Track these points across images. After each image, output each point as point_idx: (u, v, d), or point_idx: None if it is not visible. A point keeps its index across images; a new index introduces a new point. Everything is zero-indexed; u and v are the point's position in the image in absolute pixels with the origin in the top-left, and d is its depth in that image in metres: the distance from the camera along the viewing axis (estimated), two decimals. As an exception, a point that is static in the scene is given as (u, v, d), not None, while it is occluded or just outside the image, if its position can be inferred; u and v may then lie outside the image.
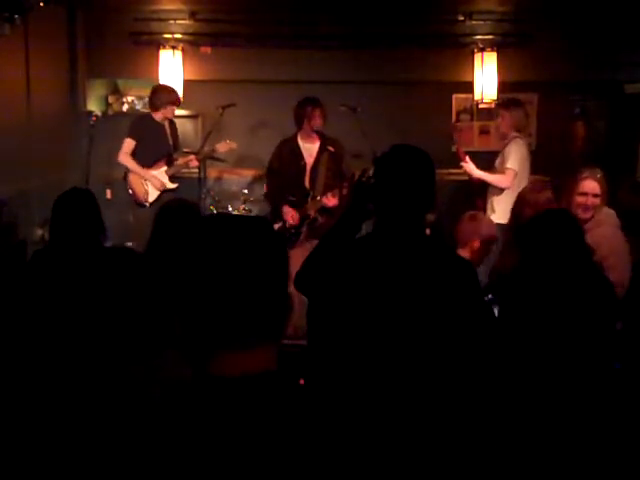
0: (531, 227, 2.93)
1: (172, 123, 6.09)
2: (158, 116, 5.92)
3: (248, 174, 6.97)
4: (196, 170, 6.00)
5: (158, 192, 5.89)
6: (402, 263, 2.36)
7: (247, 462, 1.10)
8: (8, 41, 5.27)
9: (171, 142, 6.03)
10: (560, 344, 2.66)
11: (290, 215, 5.34)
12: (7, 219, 3.90)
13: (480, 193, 5.51)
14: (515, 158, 5.26)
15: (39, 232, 5.43)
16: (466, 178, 5.66)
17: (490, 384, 2.46)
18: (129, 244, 5.12)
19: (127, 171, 5.91)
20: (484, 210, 5.31)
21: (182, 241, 1.25)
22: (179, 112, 6.45)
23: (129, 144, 5.87)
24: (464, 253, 3.44)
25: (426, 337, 2.31)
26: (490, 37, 6.73)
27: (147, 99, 6.22)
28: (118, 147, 5.96)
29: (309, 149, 5.42)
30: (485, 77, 6.71)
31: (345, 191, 5.16)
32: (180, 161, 5.99)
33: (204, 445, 1.11)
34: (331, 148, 5.33)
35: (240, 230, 1.23)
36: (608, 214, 3.83)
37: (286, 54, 6.73)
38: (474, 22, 6.76)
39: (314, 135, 5.37)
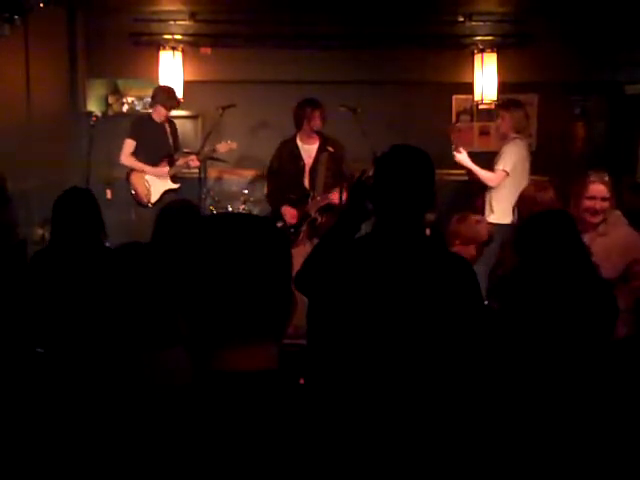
0: (527, 228, 2.93)
1: (172, 124, 6.10)
2: (156, 116, 5.93)
3: (248, 174, 6.97)
4: (196, 170, 6.00)
5: (160, 192, 5.90)
6: (402, 263, 2.36)
7: (245, 458, 1.10)
8: (8, 41, 5.28)
9: (171, 142, 6.04)
10: (559, 345, 2.66)
11: (290, 214, 5.35)
12: (7, 219, 3.90)
13: (479, 193, 5.51)
14: (509, 160, 5.25)
15: (39, 232, 5.43)
16: (466, 178, 5.66)
17: (489, 383, 2.46)
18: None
19: (129, 171, 5.92)
20: (483, 210, 5.30)
21: (184, 239, 1.25)
22: (179, 112, 6.46)
23: (130, 145, 5.88)
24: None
25: (425, 337, 2.31)
26: (490, 38, 6.73)
27: (147, 100, 6.23)
28: (118, 147, 5.97)
29: (308, 150, 5.43)
30: (485, 78, 6.71)
31: (345, 191, 5.16)
32: (181, 161, 6.00)
33: (203, 440, 1.11)
34: (331, 148, 5.33)
35: (243, 228, 1.23)
36: (617, 215, 3.81)
37: (286, 54, 6.73)
38: (474, 23, 6.76)
39: (314, 136, 5.38)
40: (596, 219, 3.65)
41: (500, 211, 5.18)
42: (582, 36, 6.54)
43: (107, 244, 3.52)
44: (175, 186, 5.99)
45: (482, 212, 5.22)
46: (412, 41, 6.71)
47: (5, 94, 5.67)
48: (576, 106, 7.23)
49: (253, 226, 1.24)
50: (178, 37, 6.77)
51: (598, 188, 3.69)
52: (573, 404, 2.61)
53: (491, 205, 5.33)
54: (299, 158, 5.42)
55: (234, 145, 6.08)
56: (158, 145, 5.96)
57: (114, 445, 1.15)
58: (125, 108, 7.33)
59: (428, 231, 3.74)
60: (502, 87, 6.67)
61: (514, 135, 5.35)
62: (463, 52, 6.82)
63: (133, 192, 5.91)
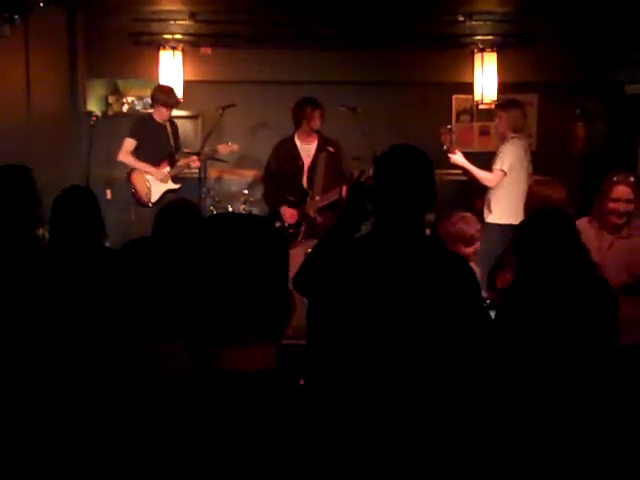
0: (526, 228, 2.92)
1: (173, 124, 6.10)
2: (158, 116, 5.93)
3: (248, 174, 6.97)
4: (196, 170, 6.00)
5: (161, 192, 5.90)
6: (401, 263, 2.36)
7: (241, 458, 1.10)
8: (8, 42, 5.28)
9: (173, 143, 6.04)
10: (559, 345, 2.66)
11: (289, 214, 5.34)
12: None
13: (478, 194, 5.50)
14: (506, 159, 5.24)
15: (39, 231, 5.42)
16: (465, 179, 5.66)
17: (489, 385, 2.46)
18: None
19: (130, 171, 5.92)
20: (482, 210, 5.30)
21: (184, 239, 1.26)
22: (179, 112, 6.46)
23: (130, 143, 5.88)
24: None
25: (425, 337, 2.31)
26: (490, 38, 6.73)
27: (147, 100, 6.23)
28: (118, 147, 5.96)
29: (307, 149, 5.43)
30: (485, 78, 6.71)
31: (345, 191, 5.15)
32: (182, 162, 6.00)
33: (200, 438, 1.11)
34: (331, 148, 5.33)
35: (240, 227, 1.23)
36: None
37: (286, 55, 6.73)
38: (474, 23, 6.76)
39: (312, 135, 5.37)
40: (621, 221, 3.64)
41: (499, 211, 5.18)
42: (582, 36, 6.53)
43: (107, 244, 3.52)
44: (176, 186, 5.98)
45: (481, 212, 5.22)
46: (412, 41, 6.71)
47: (5, 94, 5.67)
48: (576, 106, 7.23)
49: (251, 226, 1.24)
50: (178, 37, 6.77)
51: (623, 190, 3.66)
52: (573, 405, 2.60)
53: (490, 205, 5.33)
54: (298, 158, 5.41)
55: (235, 147, 6.08)
56: (159, 145, 5.95)
57: (110, 442, 1.15)
58: (125, 108, 7.33)
59: (428, 231, 3.74)
60: (502, 87, 6.67)
61: (512, 135, 5.35)
62: (463, 52, 6.82)
63: (133, 191, 5.91)
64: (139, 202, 5.91)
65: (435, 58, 6.80)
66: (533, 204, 3.78)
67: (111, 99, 7.33)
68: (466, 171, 5.40)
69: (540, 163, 5.75)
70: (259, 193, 6.43)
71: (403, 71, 6.78)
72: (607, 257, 3.54)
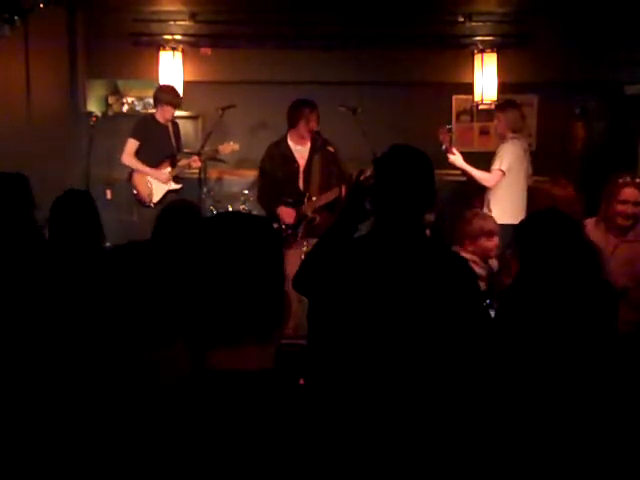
0: (525, 227, 2.92)
1: (175, 124, 6.11)
2: (160, 116, 5.93)
3: (248, 175, 6.96)
4: (196, 171, 6.01)
5: (162, 192, 5.91)
6: (401, 263, 2.36)
7: (238, 457, 1.10)
8: (8, 42, 5.27)
9: (174, 143, 6.04)
10: (557, 345, 2.66)
11: (287, 214, 5.32)
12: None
13: (478, 194, 5.51)
14: (506, 159, 5.25)
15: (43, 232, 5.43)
16: (464, 179, 5.67)
17: (489, 384, 2.46)
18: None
19: (131, 171, 5.92)
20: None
21: (183, 239, 1.26)
22: (179, 113, 6.46)
23: (132, 145, 5.88)
24: (463, 252, 3.45)
25: (425, 336, 2.31)
26: (490, 38, 6.73)
27: (147, 100, 6.23)
28: (118, 148, 5.97)
29: (301, 151, 5.41)
30: (485, 78, 6.71)
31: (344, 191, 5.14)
32: (183, 162, 6.00)
33: (196, 438, 1.11)
34: (331, 148, 5.32)
35: (236, 227, 1.24)
36: None
37: (286, 55, 6.73)
38: (474, 23, 6.75)
39: (306, 136, 5.35)
40: (627, 222, 3.63)
41: (498, 211, 5.18)
42: (582, 36, 6.53)
43: (107, 244, 3.52)
44: (177, 187, 5.99)
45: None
46: (412, 41, 6.71)
47: (5, 94, 5.67)
48: (576, 106, 7.23)
49: (246, 226, 1.24)
50: (178, 37, 6.77)
51: (631, 192, 3.65)
52: (572, 405, 2.60)
53: (489, 205, 5.33)
54: (292, 160, 5.39)
55: (236, 147, 6.08)
56: (161, 146, 5.96)
57: (109, 443, 1.15)
58: (125, 108, 7.33)
59: (428, 231, 3.75)
60: (502, 87, 6.67)
61: (511, 135, 5.37)
62: (463, 52, 6.81)
63: (135, 192, 5.91)
64: (141, 202, 5.92)
65: (435, 58, 6.80)
66: (540, 203, 3.80)
67: (111, 99, 7.34)
68: (464, 172, 5.41)
69: (540, 163, 5.76)
70: (259, 193, 6.43)
71: (403, 71, 6.78)
72: (610, 260, 3.54)
